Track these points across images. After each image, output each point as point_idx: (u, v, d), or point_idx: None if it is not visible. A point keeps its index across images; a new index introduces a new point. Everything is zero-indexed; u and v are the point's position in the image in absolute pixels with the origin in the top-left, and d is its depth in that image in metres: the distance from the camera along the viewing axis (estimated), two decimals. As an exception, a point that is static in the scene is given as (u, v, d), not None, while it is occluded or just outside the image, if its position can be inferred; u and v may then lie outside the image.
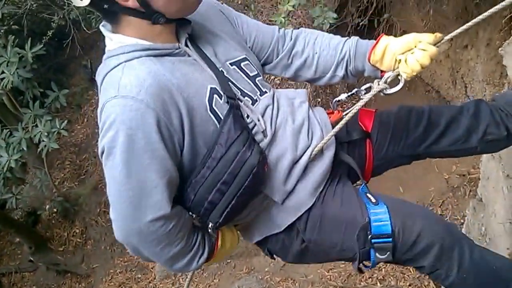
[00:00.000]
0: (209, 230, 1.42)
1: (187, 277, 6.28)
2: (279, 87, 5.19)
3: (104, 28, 1.44)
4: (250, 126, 1.46)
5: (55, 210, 7.79)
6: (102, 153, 1.31)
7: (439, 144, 1.74)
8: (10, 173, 6.27)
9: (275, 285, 4.85)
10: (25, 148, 6.06)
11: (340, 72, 1.66)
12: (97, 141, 5.55)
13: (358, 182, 1.77)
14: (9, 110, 6.83)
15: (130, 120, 1.23)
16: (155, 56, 1.34)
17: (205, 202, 1.36)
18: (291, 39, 1.69)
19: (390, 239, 1.42)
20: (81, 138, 7.90)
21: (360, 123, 1.75)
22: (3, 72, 5.91)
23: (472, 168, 4.30)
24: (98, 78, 1.40)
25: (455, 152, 1.82)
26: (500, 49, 2.53)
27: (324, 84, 1.73)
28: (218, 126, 1.37)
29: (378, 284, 4.24)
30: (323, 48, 1.64)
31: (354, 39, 1.65)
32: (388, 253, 1.43)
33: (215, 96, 1.39)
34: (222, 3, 1.64)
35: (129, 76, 1.26)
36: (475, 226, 2.98)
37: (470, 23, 1.49)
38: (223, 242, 1.51)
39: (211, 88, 1.39)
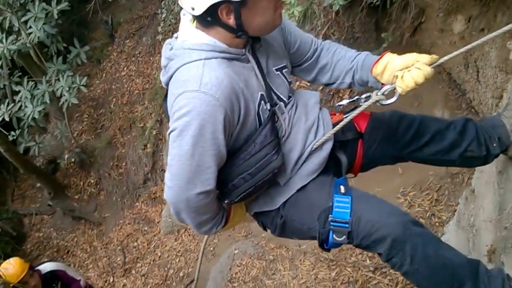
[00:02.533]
0: (224, 205, 1.69)
1: (188, 234, 6.33)
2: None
3: (185, 17, 1.59)
4: (278, 126, 1.64)
5: (73, 160, 7.87)
6: (172, 131, 1.47)
7: (422, 152, 1.84)
8: (34, 122, 6.32)
9: (269, 251, 4.78)
10: (48, 101, 6.11)
11: (348, 80, 1.80)
12: (113, 97, 5.48)
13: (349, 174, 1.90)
14: (35, 62, 6.82)
15: (205, 113, 1.40)
16: (228, 59, 1.51)
17: (230, 184, 1.59)
18: (317, 49, 1.84)
19: (347, 225, 1.54)
20: (99, 93, 7.87)
21: (355, 123, 1.85)
22: (30, 27, 5.92)
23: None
24: (173, 61, 1.53)
25: (436, 162, 1.95)
26: (508, 43, 2.27)
27: (334, 88, 1.93)
28: (257, 127, 1.57)
29: (368, 261, 4.10)
30: (339, 58, 1.79)
31: (365, 53, 1.77)
32: (344, 236, 1.56)
33: (262, 102, 1.57)
34: None
35: (209, 75, 1.42)
36: (465, 215, 2.82)
37: (472, 45, 1.59)
38: (234, 215, 1.76)
39: (261, 94, 1.57)
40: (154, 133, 6.71)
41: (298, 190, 1.70)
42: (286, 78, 1.71)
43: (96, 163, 7.80)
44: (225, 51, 1.51)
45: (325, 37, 4.70)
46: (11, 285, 4.24)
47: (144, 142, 6.95)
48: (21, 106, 6.03)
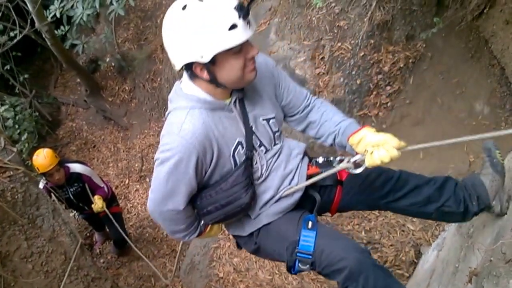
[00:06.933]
0: (201, 224, 2.00)
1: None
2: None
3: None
4: (255, 169, 1.85)
5: (112, 64, 7.87)
6: (156, 160, 1.72)
7: (398, 203, 1.96)
8: (83, 22, 6.23)
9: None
10: (97, 6, 5.94)
11: (330, 141, 1.96)
12: (161, 12, 5.38)
13: (326, 214, 2.11)
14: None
15: (181, 152, 1.64)
16: (210, 109, 1.71)
17: (205, 209, 1.86)
18: (309, 105, 2.00)
19: (310, 256, 1.74)
20: (150, 5, 7.62)
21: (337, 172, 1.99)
22: None
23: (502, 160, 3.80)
24: (170, 104, 1.78)
25: (412, 213, 2.04)
26: None
27: (319, 143, 2.06)
28: (233, 168, 1.79)
29: (363, 233, 4.06)
30: (326, 119, 1.96)
31: (349, 120, 1.91)
32: (308, 265, 1.76)
33: (239, 147, 1.78)
34: (275, 65, 1.93)
35: (188, 123, 1.65)
36: (467, 223, 2.67)
37: (440, 143, 1.61)
38: (210, 231, 2.06)
39: (238, 141, 1.77)
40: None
41: (265, 224, 1.93)
42: (271, 129, 1.87)
43: (133, 72, 7.76)
44: (208, 103, 1.70)
45: (378, 6, 4.34)
46: (38, 173, 4.43)
47: (181, 64, 6.81)
48: (72, 5, 5.91)
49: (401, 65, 4.55)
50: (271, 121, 1.87)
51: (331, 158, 1.98)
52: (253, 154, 1.82)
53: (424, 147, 1.65)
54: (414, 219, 3.91)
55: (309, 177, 1.95)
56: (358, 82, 4.62)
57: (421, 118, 4.21)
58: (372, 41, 4.50)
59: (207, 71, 1.62)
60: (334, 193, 2.01)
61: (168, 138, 1.68)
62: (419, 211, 1.98)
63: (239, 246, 2.14)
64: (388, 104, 4.59)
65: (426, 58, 4.53)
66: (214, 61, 1.57)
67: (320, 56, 4.71)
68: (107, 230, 5.65)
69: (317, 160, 2.03)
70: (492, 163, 1.95)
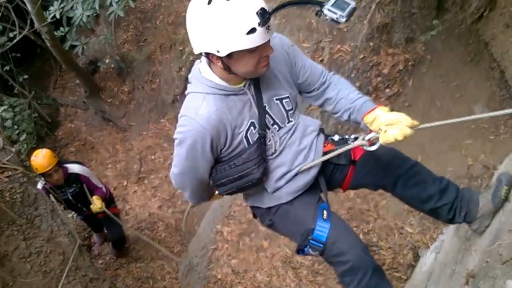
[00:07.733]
0: (217, 193, 2.24)
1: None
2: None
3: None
4: (268, 146, 1.97)
5: (112, 66, 7.89)
6: (176, 139, 1.89)
7: (404, 192, 2.07)
8: (82, 23, 6.26)
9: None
10: (97, 7, 5.97)
11: (345, 117, 2.04)
12: (161, 14, 5.37)
13: (336, 190, 2.27)
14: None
15: (196, 135, 1.81)
16: (224, 95, 1.83)
17: (219, 181, 2.01)
18: (325, 82, 2.07)
19: (322, 245, 1.89)
20: (149, 7, 7.64)
21: (351, 151, 2.09)
22: None
23: (500, 164, 3.80)
24: (189, 85, 1.91)
25: (409, 203, 2.19)
26: None
27: (336, 118, 2.14)
28: (246, 146, 1.93)
29: (361, 235, 4.05)
30: (342, 97, 2.03)
31: (364, 98, 1.98)
32: (317, 252, 1.93)
33: (251, 127, 1.91)
34: (292, 45, 2.01)
35: (204, 109, 1.80)
36: (464, 226, 2.68)
37: (451, 121, 1.75)
38: (217, 194, 2.31)
39: (251, 122, 1.90)
40: (190, 58, 6.56)
41: (284, 203, 2.06)
42: (285, 107, 1.97)
43: (132, 73, 7.78)
44: (223, 89, 1.82)
45: (378, 9, 4.35)
46: (36, 173, 4.44)
47: (180, 65, 6.83)
48: (72, 6, 5.95)
49: (401, 68, 4.56)
50: (284, 100, 1.97)
51: (346, 136, 2.10)
52: (266, 132, 1.94)
53: (437, 124, 1.74)
54: (413, 222, 3.90)
55: (325, 154, 2.05)
56: (357, 84, 4.63)
57: (420, 121, 4.18)
58: (371, 44, 4.52)
59: (221, 62, 1.72)
60: (346, 171, 2.13)
61: (185, 121, 1.83)
62: (416, 205, 2.14)
63: (254, 216, 2.30)
64: (387, 107, 4.60)
65: (426, 61, 4.55)
66: (230, 55, 1.65)
67: (320, 58, 4.73)
68: (105, 231, 5.67)
69: (333, 138, 2.15)
70: (494, 194, 2.01)
